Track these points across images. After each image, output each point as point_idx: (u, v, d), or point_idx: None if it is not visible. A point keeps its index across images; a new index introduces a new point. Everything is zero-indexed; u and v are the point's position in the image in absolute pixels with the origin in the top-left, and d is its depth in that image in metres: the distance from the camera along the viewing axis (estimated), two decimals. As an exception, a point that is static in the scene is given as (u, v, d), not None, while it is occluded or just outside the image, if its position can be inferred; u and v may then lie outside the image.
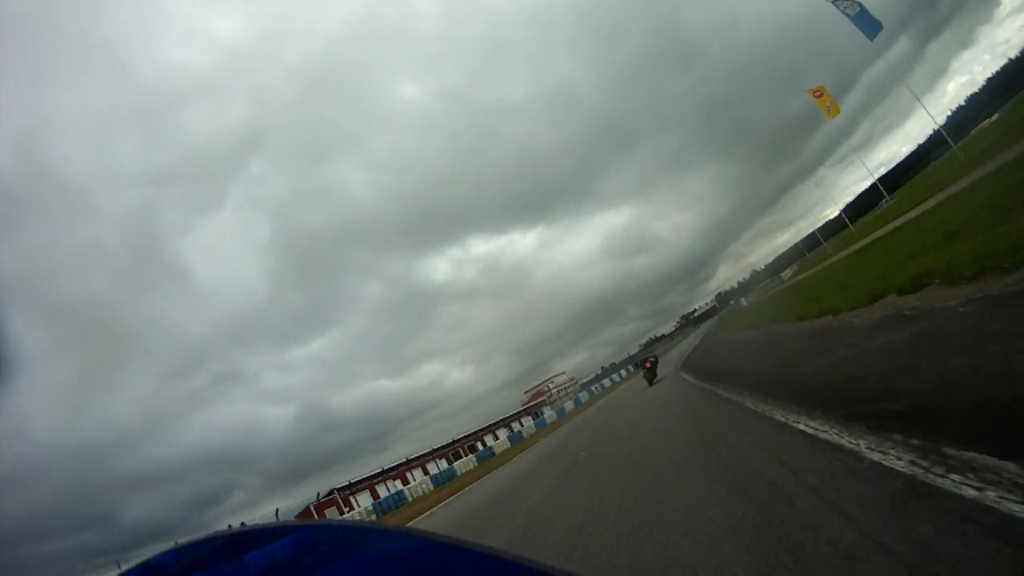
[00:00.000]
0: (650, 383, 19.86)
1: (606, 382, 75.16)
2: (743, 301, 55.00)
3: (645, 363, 21.42)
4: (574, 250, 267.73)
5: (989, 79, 65.17)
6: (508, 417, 64.23)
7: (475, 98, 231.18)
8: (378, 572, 0.58)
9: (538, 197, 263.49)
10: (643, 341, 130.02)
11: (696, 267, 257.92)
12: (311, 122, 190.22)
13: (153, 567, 0.54)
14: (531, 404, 75.07)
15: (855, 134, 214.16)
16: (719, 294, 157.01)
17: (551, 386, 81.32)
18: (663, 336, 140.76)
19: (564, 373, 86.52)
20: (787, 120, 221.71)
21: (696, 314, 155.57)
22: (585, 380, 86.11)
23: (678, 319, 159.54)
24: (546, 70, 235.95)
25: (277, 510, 31.25)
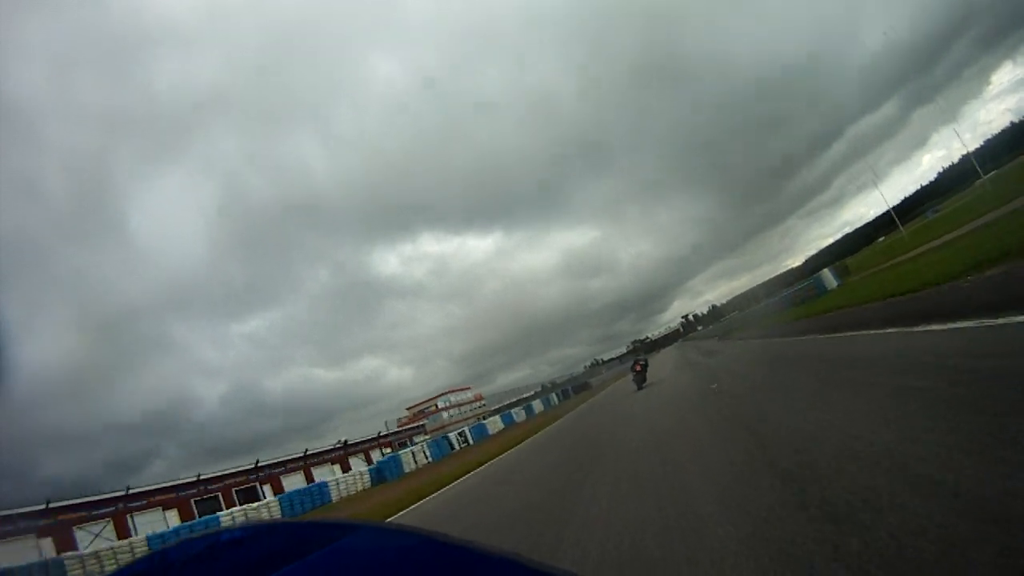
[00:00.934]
0: (639, 387, 19.52)
1: (536, 404, 51.59)
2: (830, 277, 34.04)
3: (635, 366, 20.77)
4: (531, 263, 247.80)
5: (963, 157, 60.59)
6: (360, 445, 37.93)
7: (451, 88, 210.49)
8: (372, 570, 0.57)
9: (500, 203, 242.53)
10: (588, 363, 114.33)
11: (652, 297, 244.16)
12: (278, 83, 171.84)
13: (143, 569, 0.55)
14: (408, 427, 47.98)
15: (829, 189, 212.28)
16: (686, 317, 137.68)
17: (442, 405, 54.18)
18: (611, 359, 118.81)
19: (469, 389, 59.90)
20: (766, 163, 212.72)
21: (648, 340, 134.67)
22: (511, 401, 58.93)
23: (629, 343, 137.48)
24: (529, 71, 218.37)
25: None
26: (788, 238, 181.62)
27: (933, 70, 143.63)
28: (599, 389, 43.53)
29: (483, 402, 59.10)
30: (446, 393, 55.88)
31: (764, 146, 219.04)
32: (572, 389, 62.43)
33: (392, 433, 47.05)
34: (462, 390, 58.56)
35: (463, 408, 56.49)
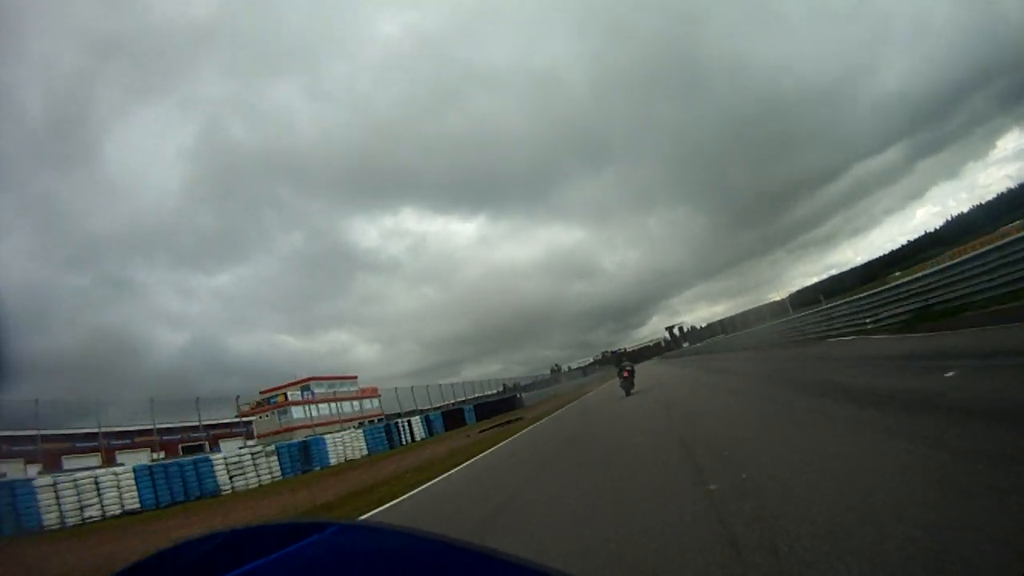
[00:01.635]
0: (627, 393, 18.31)
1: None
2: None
3: (623, 372, 19.26)
4: (513, 256, 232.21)
5: (954, 217, 65.53)
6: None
7: (452, 53, 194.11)
8: (375, 571, 0.57)
9: (489, 187, 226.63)
10: (553, 367, 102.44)
11: (631, 310, 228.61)
12: (273, 27, 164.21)
13: (148, 566, 0.55)
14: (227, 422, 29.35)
15: (822, 226, 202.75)
16: (671, 329, 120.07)
17: (296, 397, 35.08)
18: (575, 368, 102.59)
19: (354, 379, 40.98)
20: (764, 189, 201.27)
21: (624, 352, 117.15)
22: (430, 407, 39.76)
23: (599, 353, 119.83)
24: (538, 50, 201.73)
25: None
26: (774, 270, 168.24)
27: (945, 122, 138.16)
28: (540, 414, 25.19)
29: (376, 402, 40.15)
30: (310, 380, 36.69)
31: (765, 171, 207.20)
32: (500, 404, 43.35)
33: (183, 429, 28.33)
34: (343, 379, 39.56)
35: (335, 407, 37.30)
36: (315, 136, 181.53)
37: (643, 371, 46.10)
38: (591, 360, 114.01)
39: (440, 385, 41.62)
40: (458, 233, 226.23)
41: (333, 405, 37.61)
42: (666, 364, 51.90)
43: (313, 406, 35.69)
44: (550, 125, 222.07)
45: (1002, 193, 56.34)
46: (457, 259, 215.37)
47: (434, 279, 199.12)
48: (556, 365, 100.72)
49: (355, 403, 39.59)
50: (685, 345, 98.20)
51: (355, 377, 40.41)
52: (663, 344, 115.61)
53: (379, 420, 37.30)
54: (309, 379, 36.39)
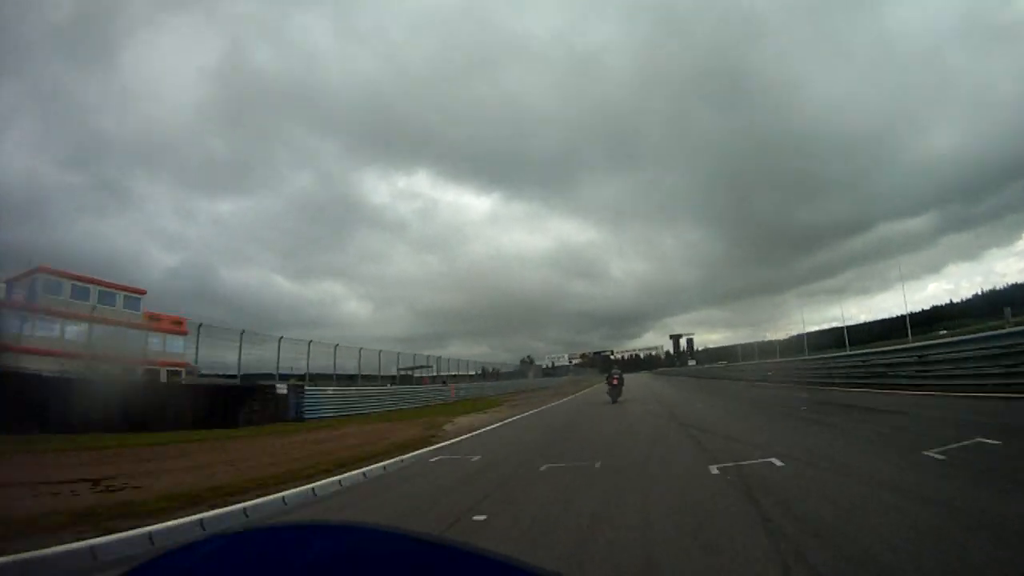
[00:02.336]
0: (614, 400, 17.84)
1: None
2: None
3: (611, 379, 19.03)
4: (522, 243, 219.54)
5: (962, 300, 69.67)
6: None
7: (494, 19, 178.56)
8: (368, 571, 0.57)
9: (509, 164, 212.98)
10: (525, 358, 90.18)
11: (628, 320, 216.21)
12: None
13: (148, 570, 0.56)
14: None
15: (835, 278, 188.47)
16: (677, 339, 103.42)
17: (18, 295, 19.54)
18: (558, 365, 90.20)
19: (142, 293, 24.40)
20: (788, 229, 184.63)
21: (612, 355, 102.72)
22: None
23: (579, 354, 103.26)
24: (583, 28, 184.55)
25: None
26: (778, 311, 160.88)
27: (980, 201, 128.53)
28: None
29: (181, 343, 24.20)
30: (39, 272, 20.75)
31: (792, 210, 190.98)
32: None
33: None
34: (112, 288, 23.68)
35: (100, 330, 21.19)
36: (338, 77, 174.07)
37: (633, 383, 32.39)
38: (568, 359, 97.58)
39: (415, 355, 37.56)
40: (470, 207, 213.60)
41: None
42: (664, 383, 36.30)
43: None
44: (582, 112, 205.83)
45: (1016, 284, 58.87)
46: (465, 233, 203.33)
47: (438, 248, 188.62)
48: (528, 356, 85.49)
49: (147, 337, 23.73)
50: (692, 363, 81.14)
51: (142, 292, 24.69)
52: (662, 357, 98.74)
53: (184, 371, 21.89)
54: (40, 270, 20.70)
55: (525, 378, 63.33)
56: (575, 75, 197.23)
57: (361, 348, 28.53)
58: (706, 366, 63.38)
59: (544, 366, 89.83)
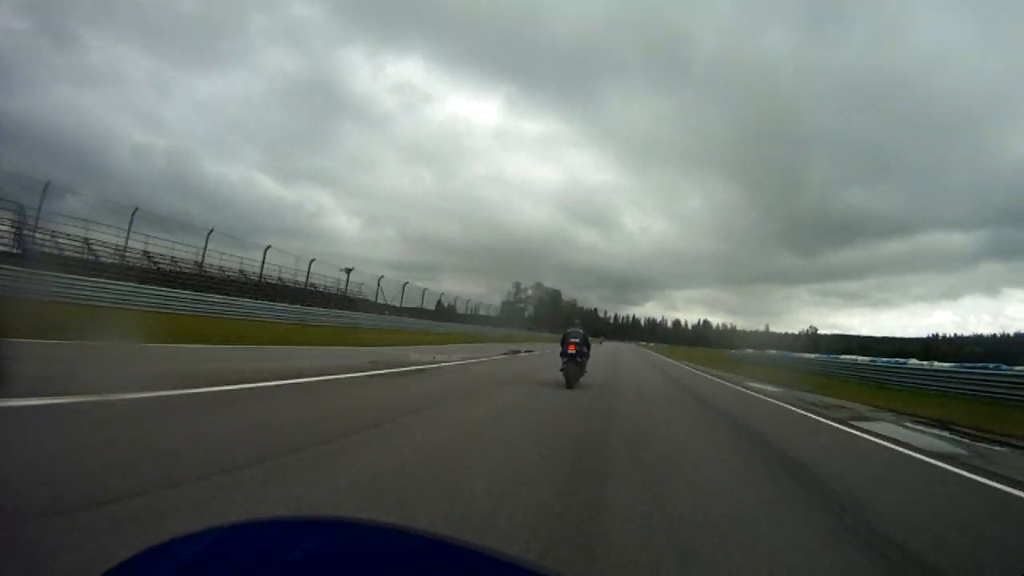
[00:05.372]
0: (570, 383, 9.70)
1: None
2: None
3: (568, 346, 10.11)
4: (528, 171, 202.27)
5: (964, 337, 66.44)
6: None
7: None
8: (371, 569, 0.55)
9: (520, 51, 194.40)
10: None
11: (632, 285, 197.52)
12: None
13: (136, 565, 0.54)
14: None
15: (854, 281, 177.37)
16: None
17: None
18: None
19: None
20: (832, 208, 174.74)
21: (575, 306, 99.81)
22: None
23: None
24: None
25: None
26: (786, 303, 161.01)
27: None
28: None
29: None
30: None
31: (844, 187, 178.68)
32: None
33: None
34: None
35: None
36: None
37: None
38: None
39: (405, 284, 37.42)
40: (471, 113, 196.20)
41: None
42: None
43: None
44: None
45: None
46: (464, 147, 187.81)
47: (432, 160, 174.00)
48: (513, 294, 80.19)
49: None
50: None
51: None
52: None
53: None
54: None
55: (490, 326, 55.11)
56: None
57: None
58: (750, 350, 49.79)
59: (528, 315, 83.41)
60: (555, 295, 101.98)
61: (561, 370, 9.94)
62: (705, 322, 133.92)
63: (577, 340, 10.10)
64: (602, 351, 31.05)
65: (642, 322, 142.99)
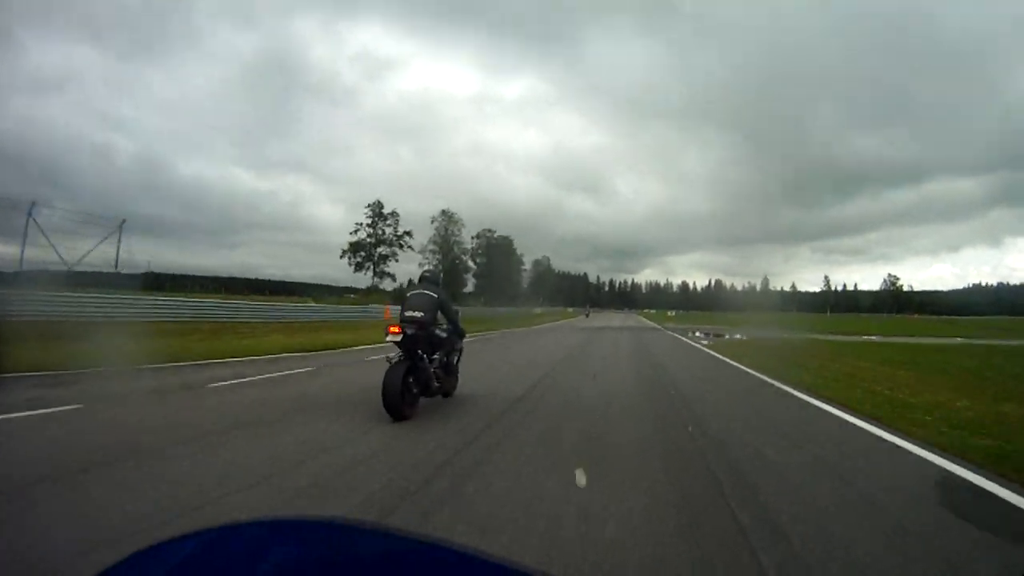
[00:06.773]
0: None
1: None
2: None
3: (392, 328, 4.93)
4: (511, 138, 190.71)
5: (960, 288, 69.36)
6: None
7: None
8: (357, 570, 0.56)
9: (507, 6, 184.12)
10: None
11: (628, 252, 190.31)
12: None
13: (129, 567, 0.53)
14: None
15: (856, 237, 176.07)
16: None
17: None
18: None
19: None
20: (837, 157, 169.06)
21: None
22: None
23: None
24: None
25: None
26: (786, 264, 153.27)
27: None
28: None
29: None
30: None
31: (852, 132, 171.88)
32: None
33: None
34: None
35: None
36: None
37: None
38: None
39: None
40: (446, 81, 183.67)
41: None
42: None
43: None
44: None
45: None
46: (442, 119, 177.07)
47: (409, 138, 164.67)
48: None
49: None
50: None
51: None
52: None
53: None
54: None
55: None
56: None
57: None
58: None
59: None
60: (504, 242, 75.69)
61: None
62: (718, 282, 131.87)
63: (422, 313, 5.03)
64: (561, 332, 23.88)
65: (643, 288, 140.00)
